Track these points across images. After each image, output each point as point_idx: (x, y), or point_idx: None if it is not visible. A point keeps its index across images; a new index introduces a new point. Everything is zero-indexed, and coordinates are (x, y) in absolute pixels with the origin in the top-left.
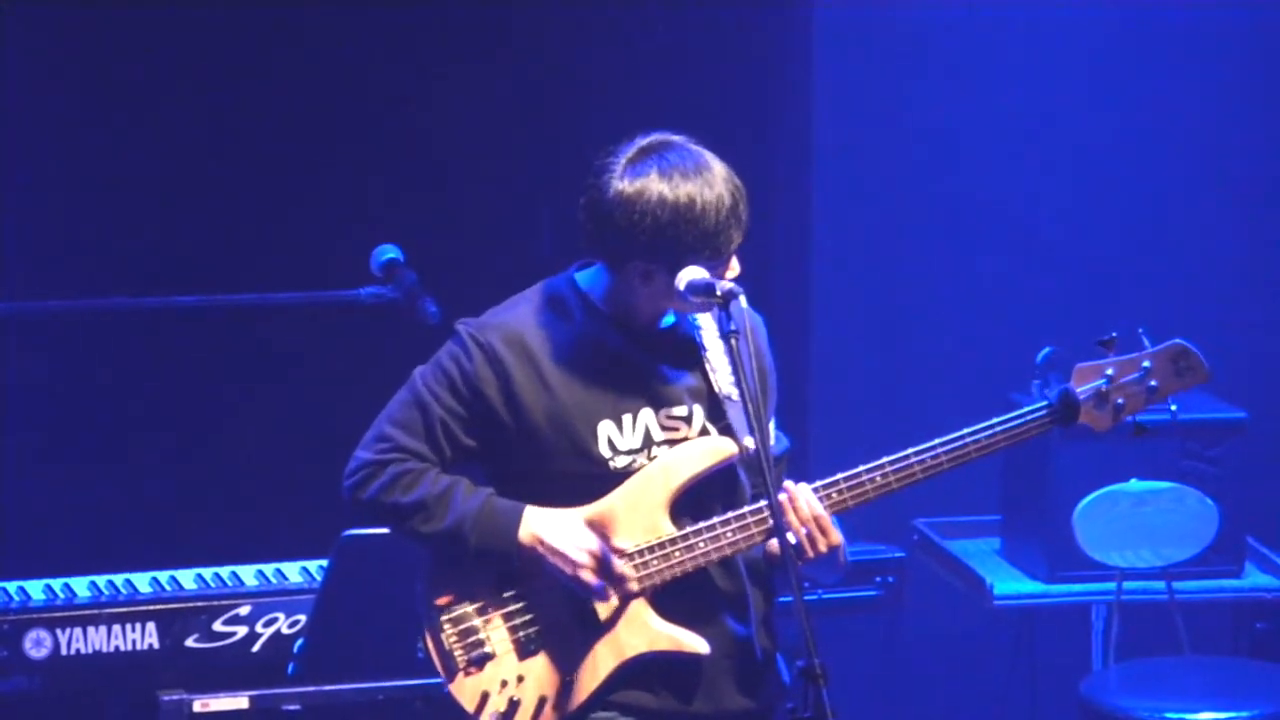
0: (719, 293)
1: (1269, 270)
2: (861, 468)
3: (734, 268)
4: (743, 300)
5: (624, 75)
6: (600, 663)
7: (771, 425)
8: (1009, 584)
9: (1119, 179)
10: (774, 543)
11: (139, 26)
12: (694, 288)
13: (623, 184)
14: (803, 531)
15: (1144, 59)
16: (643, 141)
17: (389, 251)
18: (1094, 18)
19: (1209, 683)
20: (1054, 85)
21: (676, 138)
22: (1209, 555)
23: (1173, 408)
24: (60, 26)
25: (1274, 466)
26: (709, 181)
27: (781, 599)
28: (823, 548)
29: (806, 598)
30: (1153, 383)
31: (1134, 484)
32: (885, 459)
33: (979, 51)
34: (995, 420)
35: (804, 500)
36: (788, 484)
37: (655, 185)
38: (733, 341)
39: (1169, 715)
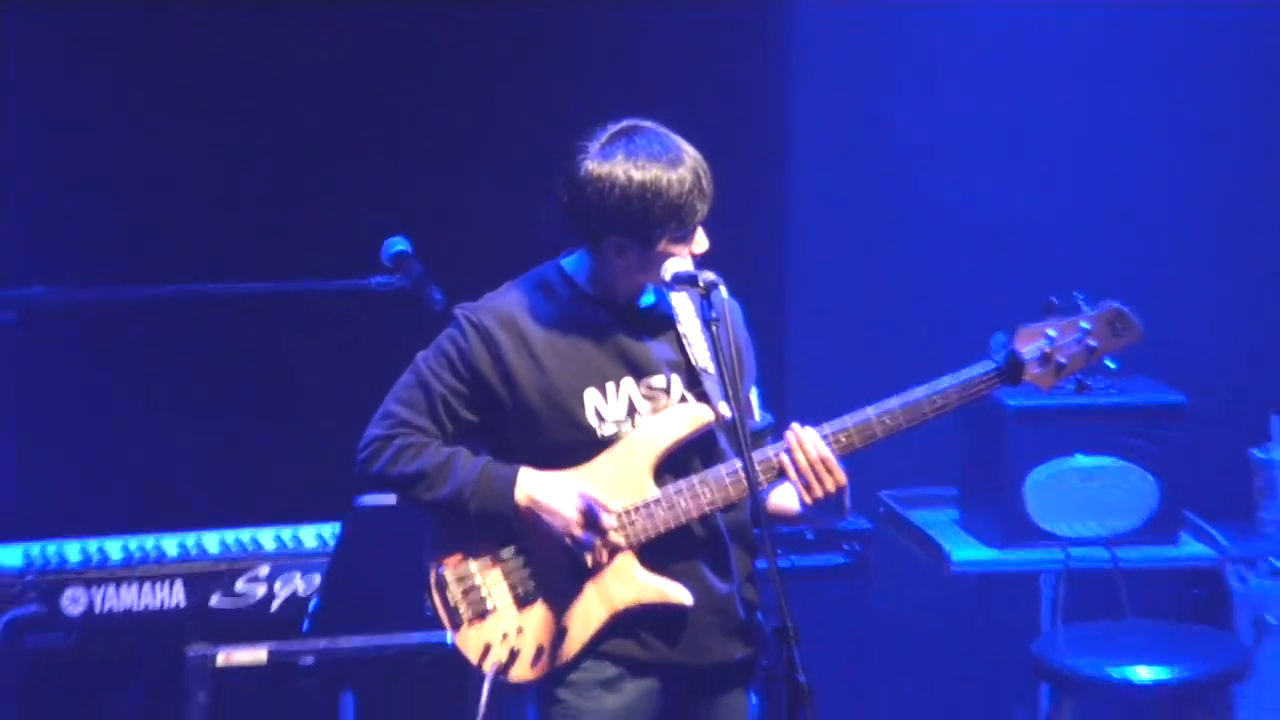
0: (701, 283)
1: (1212, 269)
2: (828, 426)
3: (701, 240)
4: (723, 290)
5: (620, 78)
6: (592, 614)
7: (756, 402)
8: (966, 552)
9: (1087, 175)
10: (782, 503)
11: (157, 19)
12: (679, 278)
13: (593, 164)
14: (810, 472)
15: (1120, 58)
16: (614, 127)
17: (398, 244)
18: (1068, 17)
19: (1148, 643)
20: (1029, 81)
21: (646, 123)
22: (1149, 527)
23: (1109, 365)
24: (76, 17)
25: (1210, 446)
26: (673, 160)
27: (758, 564)
28: (830, 487)
29: (780, 564)
30: (1092, 342)
31: (1080, 460)
32: (846, 416)
33: (954, 48)
34: (946, 378)
35: (810, 443)
36: (794, 426)
37: (622, 164)
38: (713, 328)
39: (1111, 672)
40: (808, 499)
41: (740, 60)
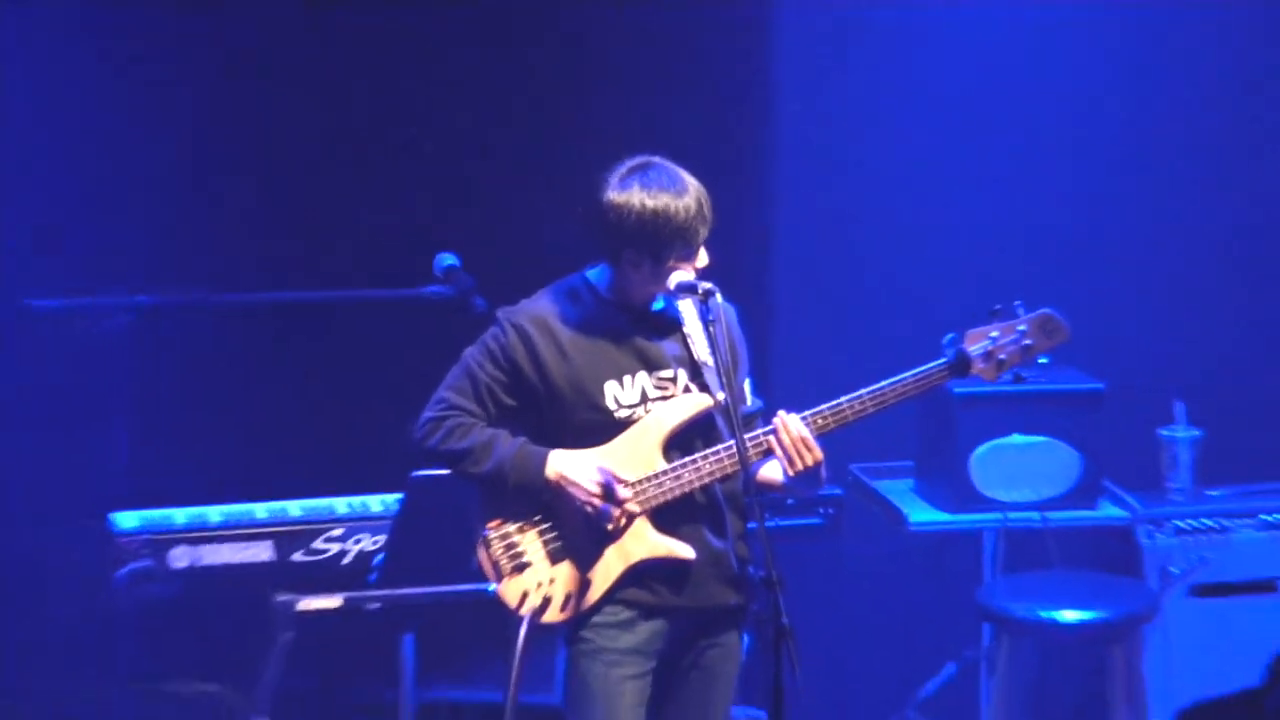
0: (701, 291)
1: (1128, 279)
2: (808, 411)
3: (703, 257)
4: (718, 296)
5: (618, 81)
6: (611, 567)
7: (748, 390)
8: (922, 515)
9: (1040, 185)
10: (769, 475)
11: (224, 32)
12: (682, 287)
13: (613, 193)
14: (793, 449)
15: (1091, 57)
16: (630, 162)
17: (448, 259)
18: (1053, 20)
19: (1073, 590)
20: (1008, 84)
21: (656, 159)
22: (1073, 494)
23: (1042, 361)
24: (148, 24)
25: (1125, 426)
26: (680, 191)
27: (749, 526)
28: (810, 461)
29: (766, 525)
30: (1027, 342)
31: (1017, 438)
32: (824, 405)
33: (937, 52)
34: (905, 373)
35: (793, 425)
36: (780, 412)
37: (638, 194)
38: (711, 329)
39: (1042, 614)
40: (791, 472)
41: (728, 62)
